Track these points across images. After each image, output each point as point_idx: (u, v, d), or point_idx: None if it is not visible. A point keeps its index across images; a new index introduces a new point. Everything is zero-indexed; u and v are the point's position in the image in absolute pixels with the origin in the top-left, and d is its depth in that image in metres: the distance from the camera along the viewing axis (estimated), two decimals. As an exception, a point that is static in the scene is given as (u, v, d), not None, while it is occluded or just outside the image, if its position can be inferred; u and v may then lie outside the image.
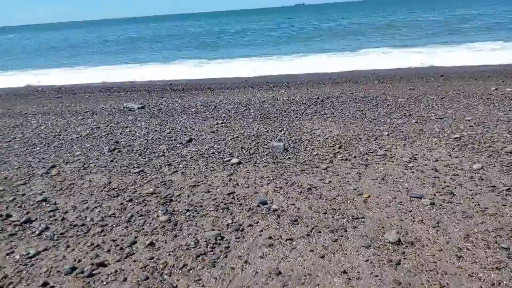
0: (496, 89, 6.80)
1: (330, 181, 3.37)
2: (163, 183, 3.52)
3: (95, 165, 4.09)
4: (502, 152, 3.78)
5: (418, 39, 18.22)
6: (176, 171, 3.80)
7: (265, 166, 3.81)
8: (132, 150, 4.54)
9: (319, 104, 6.53)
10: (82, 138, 5.14)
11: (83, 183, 3.61)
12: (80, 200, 3.25)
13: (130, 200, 3.19)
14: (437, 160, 3.70)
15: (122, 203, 3.14)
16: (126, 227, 2.76)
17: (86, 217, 2.94)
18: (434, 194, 3.02)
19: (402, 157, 3.85)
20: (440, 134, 4.47)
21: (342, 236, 2.53)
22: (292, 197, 3.10)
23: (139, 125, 5.69)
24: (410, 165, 3.64)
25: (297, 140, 4.59)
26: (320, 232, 2.59)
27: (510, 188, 3.01)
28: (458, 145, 4.08)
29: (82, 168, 4.03)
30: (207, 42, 25.96)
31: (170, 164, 3.99)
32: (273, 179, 3.49)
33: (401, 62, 12.00)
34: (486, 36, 17.32)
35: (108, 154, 4.43)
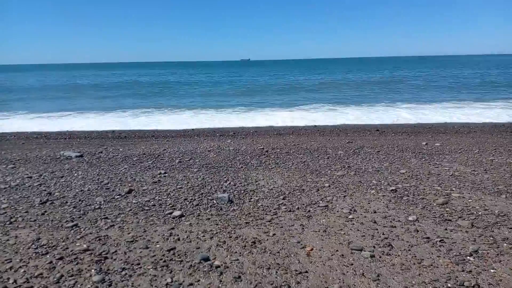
0: (426, 144, 7.34)
1: (274, 234, 3.35)
2: (98, 238, 3.30)
3: (23, 219, 3.76)
4: (434, 204, 4.01)
5: (354, 98, 19.30)
6: (113, 225, 3.59)
7: (209, 219, 3.72)
8: (66, 202, 4.25)
9: (264, 154, 6.62)
10: (11, 189, 4.75)
11: (8, 240, 3.28)
12: (3, 259, 2.93)
13: (61, 258, 2.93)
14: (375, 212, 3.83)
15: (51, 262, 2.87)
16: (53, 289, 2.51)
17: (8, 278, 2.64)
18: (374, 246, 3.09)
19: (342, 208, 3.94)
20: (377, 186, 4.68)
21: (285, 292, 2.48)
22: (236, 252, 3.02)
23: (75, 175, 5.38)
24: (350, 216, 3.73)
25: (242, 191, 4.57)
26: (263, 289, 2.52)
27: (443, 239, 3.16)
28: (394, 197, 4.27)
29: (8, 222, 3.68)
30: (155, 92, 25.83)
31: (106, 218, 3.76)
32: (217, 232, 3.40)
33: (340, 117, 12.67)
34: (417, 96, 18.85)
35: (39, 207, 4.10)
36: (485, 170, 5.32)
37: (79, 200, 4.30)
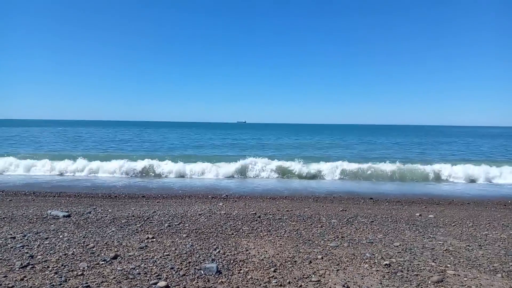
0: (420, 215, 7.28)
1: (263, 311, 3.19)
2: (77, 309, 3.12)
3: (0, 285, 3.57)
4: (429, 282, 3.87)
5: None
6: (95, 295, 3.41)
7: (195, 291, 3.55)
8: (48, 267, 4.06)
9: (256, 220, 6.50)
10: (-9, 250, 4.56)
11: (-21, 308, 3.09)
12: (-30, 331, 2.74)
13: (33, 332, 2.74)
14: (369, 289, 3.69)
15: (22, 336, 2.68)
16: None
17: None
18: (368, 329, 2.93)
19: (335, 284, 3.79)
20: (371, 260, 4.55)
21: None
22: (221, 331, 2.85)
23: (61, 236, 5.21)
24: (344, 293, 3.58)
25: (232, 261, 4.41)
26: None
27: (439, 323, 3.02)
28: (388, 272, 4.14)
29: (-18, 287, 3.49)
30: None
31: (88, 286, 3.58)
32: (202, 307, 3.23)
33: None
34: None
35: (19, 271, 3.91)
36: (479, 245, 5.23)
37: (62, 265, 4.12)
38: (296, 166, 14.56)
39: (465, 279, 3.98)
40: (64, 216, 6.40)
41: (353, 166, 14.52)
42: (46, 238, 5.10)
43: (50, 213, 6.61)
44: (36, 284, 3.61)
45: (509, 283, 3.90)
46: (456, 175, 14.08)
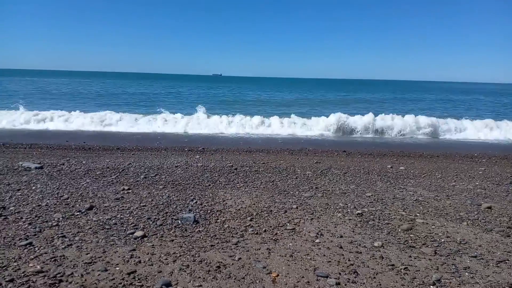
0: (391, 167, 7.50)
1: (240, 258, 3.27)
2: (53, 259, 3.11)
3: (-29, 235, 3.51)
4: (399, 230, 4.06)
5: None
6: (71, 244, 3.41)
7: (173, 240, 3.60)
8: (21, 218, 4.01)
9: (232, 172, 6.55)
10: (-40, 201, 4.44)
11: (-49, 259, 3.04)
12: None
13: (11, 281, 2.73)
14: (341, 236, 3.83)
15: (0, 284, 2.67)
16: (-1, 317, 2.33)
17: None
18: (339, 273, 3.06)
19: (309, 232, 3.92)
20: (344, 209, 4.70)
21: (249, 322, 2.40)
22: (199, 277, 2.92)
23: (33, 188, 5.11)
24: (317, 241, 3.70)
25: (209, 211, 4.47)
26: (226, 318, 2.43)
27: (407, 267, 3.19)
28: (361, 221, 4.30)
29: (-47, 238, 3.42)
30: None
31: (64, 236, 3.57)
32: (180, 255, 3.28)
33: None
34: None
35: (-10, 222, 3.85)
36: (447, 196, 5.48)
37: (36, 216, 4.06)
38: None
39: (432, 227, 4.19)
40: (36, 168, 6.25)
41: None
42: (18, 190, 4.99)
43: (21, 164, 6.44)
44: (10, 234, 3.57)
45: (473, 230, 4.13)
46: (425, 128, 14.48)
